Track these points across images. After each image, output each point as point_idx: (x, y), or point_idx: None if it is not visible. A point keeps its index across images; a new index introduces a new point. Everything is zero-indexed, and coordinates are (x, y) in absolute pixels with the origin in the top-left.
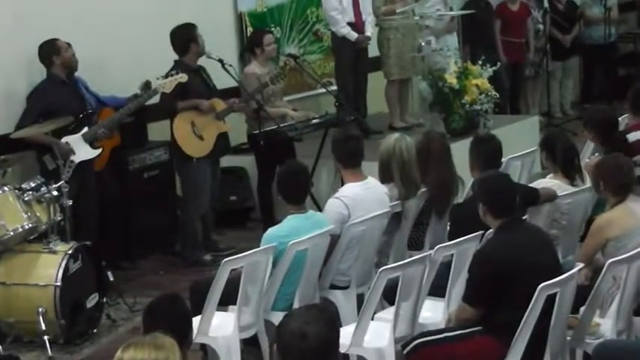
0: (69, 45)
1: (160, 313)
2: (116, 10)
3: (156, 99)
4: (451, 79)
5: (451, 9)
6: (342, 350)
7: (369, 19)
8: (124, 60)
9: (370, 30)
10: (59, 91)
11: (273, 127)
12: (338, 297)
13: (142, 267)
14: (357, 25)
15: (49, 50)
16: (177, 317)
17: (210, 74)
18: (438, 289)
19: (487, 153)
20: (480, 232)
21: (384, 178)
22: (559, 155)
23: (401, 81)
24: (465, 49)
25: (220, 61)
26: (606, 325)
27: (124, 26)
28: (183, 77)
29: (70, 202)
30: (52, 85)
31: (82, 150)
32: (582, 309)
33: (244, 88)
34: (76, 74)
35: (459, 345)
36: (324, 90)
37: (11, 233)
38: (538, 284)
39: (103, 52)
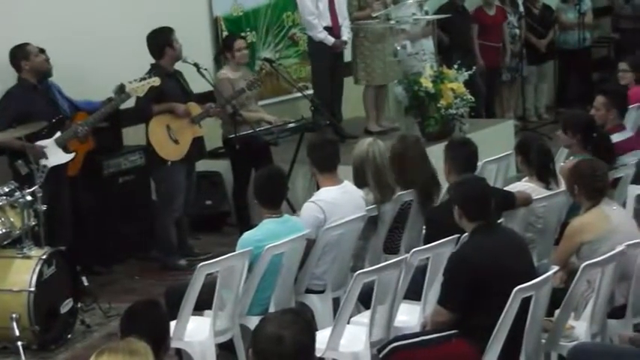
0: (42, 50)
1: (138, 319)
2: (91, 16)
3: (131, 103)
4: (427, 83)
5: (427, 13)
6: (318, 354)
7: (345, 24)
8: (100, 65)
9: (347, 34)
10: (30, 96)
11: (249, 132)
12: (314, 301)
13: (117, 272)
14: (334, 30)
15: (19, 55)
16: (155, 322)
17: (186, 78)
18: (413, 293)
19: (463, 157)
20: (456, 235)
21: (359, 182)
22: (534, 159)
23: (378, 85)
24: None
25: (196, 65)
26: (581, 328)
27: (100, 31)
28: (155, 81)
29: (44, 207)
30: (22, 90)
31: (54, 154)
32: (557, 312)
33: (220, 93)
34: (51, 79)
35: (435, 349)
36: (300, 94)
37: None
38: (513, 288)
39: (79, 57)
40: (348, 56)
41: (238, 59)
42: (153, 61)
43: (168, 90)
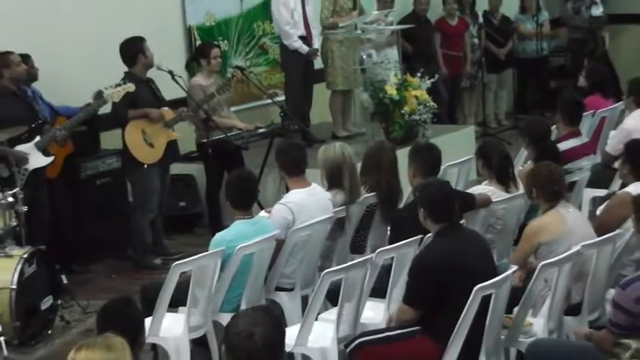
0: (27, 57)
1: (113, 316)
2: (70, 25)
3: (108, 108)
4: (391, 91)
5: (391, 23)
6: (287, 350)
7: (314, 32)
8: (78, 72)
9: (317, 43)
10: (9, 102)
11: (221, 136)
12: (283, 299)
13: (94, 271)
14: (308, 39)
15: (1, 62)
16: (129, 319)
17: (160, 85)
18: (378, 291)
19: (428, 161)
20: (420, 236)
21: (333, 184)
22: (494, 163)
23: (344, 92)
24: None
25: (170, 72)
26: (538, 325)
27: (78, 40)
28: (130, 87)
29: (25, 209)
30: (1, 96)
31: (35, 158)
32: (516, 309)
33: (192, 99)
34: (33, 85)
35: (399, 344)
36: (269, 100)
37: None
38: (474, 286)
39: (57, 65)
40: (317, 63)
41: (213, 67)
42: (126, 69)
43: (141, 96)
